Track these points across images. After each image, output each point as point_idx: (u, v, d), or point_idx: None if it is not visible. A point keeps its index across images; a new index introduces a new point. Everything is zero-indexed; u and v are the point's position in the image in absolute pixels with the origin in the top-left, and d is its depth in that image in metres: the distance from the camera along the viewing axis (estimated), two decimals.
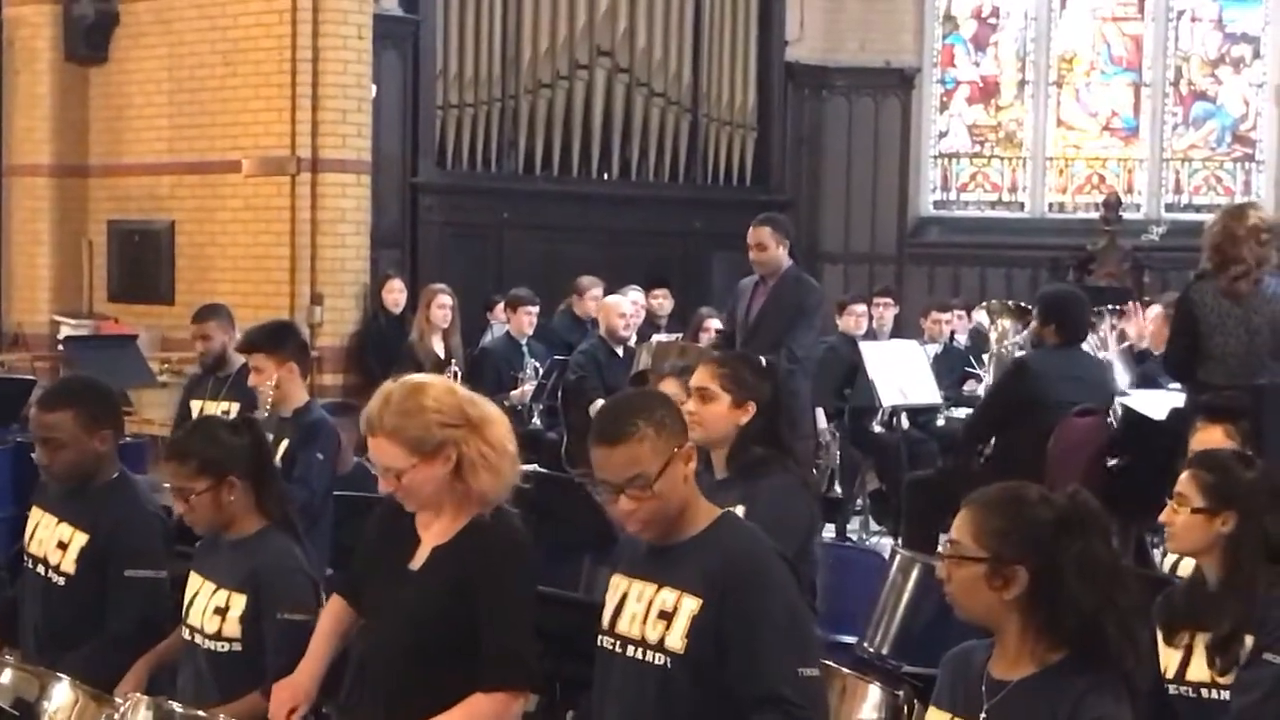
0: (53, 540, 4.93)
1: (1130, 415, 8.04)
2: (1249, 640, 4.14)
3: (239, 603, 4.38)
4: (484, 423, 3.90)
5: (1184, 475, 4.32)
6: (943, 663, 3.43)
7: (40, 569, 4.94)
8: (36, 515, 5.03)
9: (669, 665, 3.61)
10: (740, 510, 4.59)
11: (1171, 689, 4.22)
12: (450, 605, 3.83)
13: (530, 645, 3.87)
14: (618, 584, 3.80)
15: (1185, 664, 4.22)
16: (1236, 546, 4.23)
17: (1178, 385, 8.23)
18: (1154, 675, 4.29)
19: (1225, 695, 4.15)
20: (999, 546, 3.14)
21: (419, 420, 3.83)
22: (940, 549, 3.26)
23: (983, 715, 3.19)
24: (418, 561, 3.93)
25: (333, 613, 4.21)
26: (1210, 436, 5.32)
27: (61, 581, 4.88)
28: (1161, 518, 4.31)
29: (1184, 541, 4.29)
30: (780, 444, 4.92)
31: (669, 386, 5.59)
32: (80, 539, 4.88)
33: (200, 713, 3.95)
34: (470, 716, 3.79)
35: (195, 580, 4.52)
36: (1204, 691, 4.18)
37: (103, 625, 4.83)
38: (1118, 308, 10.34)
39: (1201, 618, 4.23)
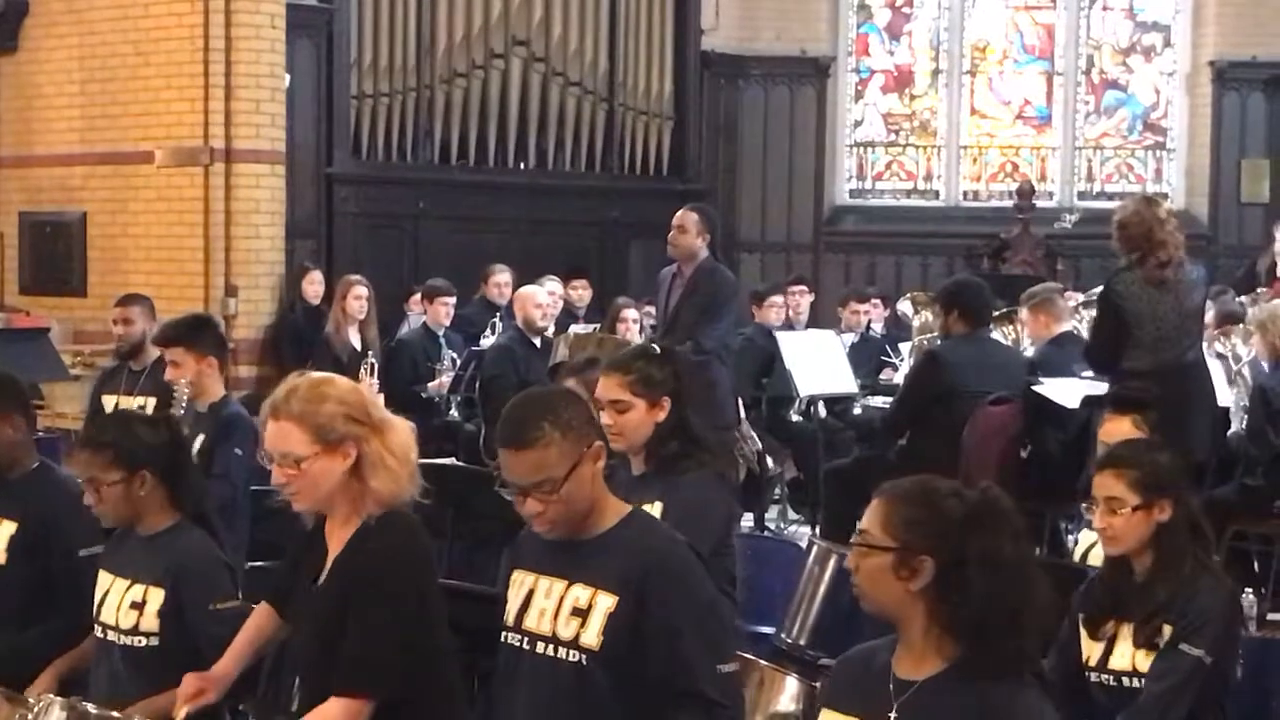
0: None
1: (1039, 402, 8.10)
2: (1167, 629, 4.20)
3: (156, 597, 4.36)
4: (387, 427, 3.86)
5: (1106, 477, 4.33)
6: (837, 665, 3.42)
7: None
8: None
9: (584, 662, 3.61)
10: (659, 506, 4.62)
11: (1092, 677, 4.28)
12: (344, 617, 3.78)
13: (389, 652, 3.75)
14: (521, 579, 3.77)
15: (1108, 653, 4.28)
16: (1172, 531, 4.28)
17: (1090, 373, 8.31)
18: (1067, 665, 4.33)
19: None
20: (907, 536, 3.13)
21: (325, 409, 3.79)
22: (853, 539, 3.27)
23: (893, 715, 3.19)
24: (323, 576, 3.90)
25: (258, 619, 4.18)
26: (1119, 427, 5.38)
27: None
28: (1096, 524, 4.33)
29: (1127, 541, 4.30)
30: (691, 434, 4.90)
31: (568, 385, 5.57)
32: (9, 527, 4.88)
33: (114, 714, 3.91)
34: None
35: (105, 578, 4.49)
36: (1125, 680, 4.24)
37: (37, 610, 4.83)
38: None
39: (1128, 608, 4.28)
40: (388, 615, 3.76)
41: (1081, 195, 17.75)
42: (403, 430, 3.90)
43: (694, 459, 4.83)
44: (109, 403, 7.44)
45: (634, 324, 10.48)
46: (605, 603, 3.60)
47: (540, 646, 3.67)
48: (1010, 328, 10.08)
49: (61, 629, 4.74)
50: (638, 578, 3.59)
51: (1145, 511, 4.27)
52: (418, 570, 3.85)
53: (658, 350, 5.03)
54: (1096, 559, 5.15)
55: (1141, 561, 4.30)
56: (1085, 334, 9.52)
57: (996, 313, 10.15)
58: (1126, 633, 4.27)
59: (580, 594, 3.64)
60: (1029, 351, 9.40)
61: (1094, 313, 8.33)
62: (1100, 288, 8.08)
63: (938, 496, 3.18)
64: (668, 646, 3.55)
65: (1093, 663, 4.29)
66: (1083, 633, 4.32)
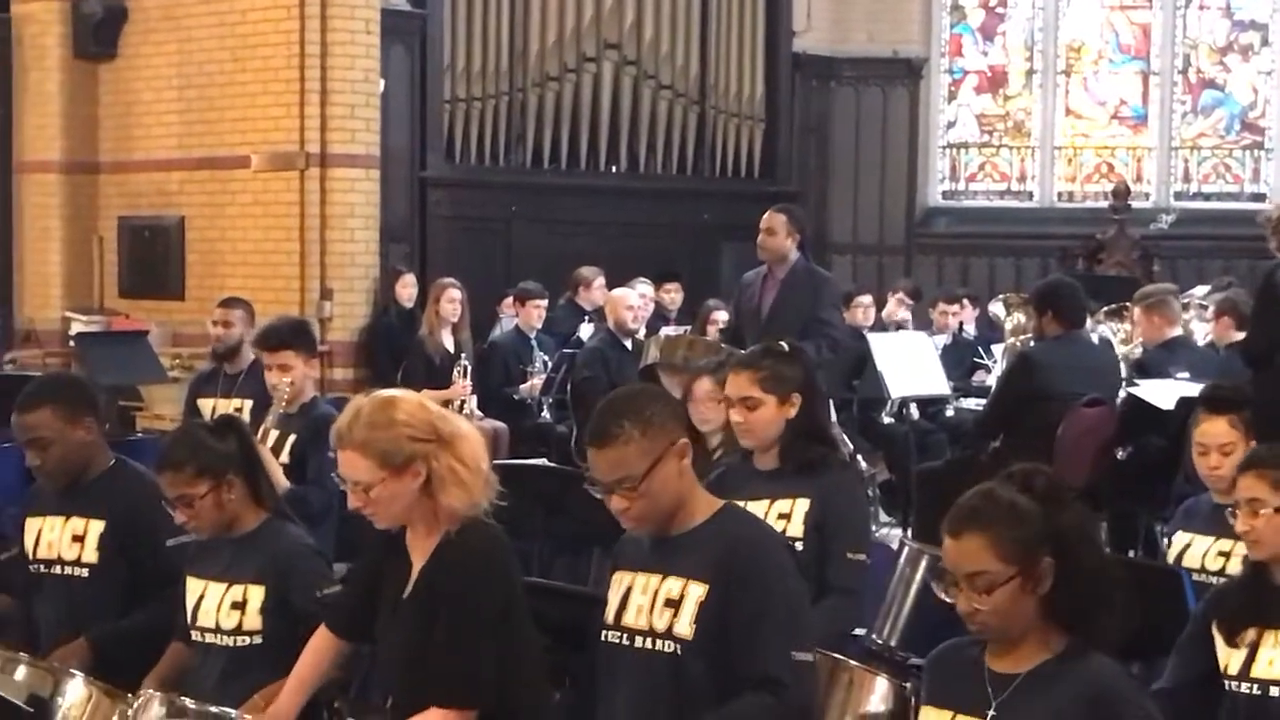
0: (65, 538, 4.97)
1: (1135, 404, 8.04)
2: None
3: (257, 594, 4.41)
4: (455, 439, 3.87)
5: (1247, 478, 4.19)
6: (929, 662, 3.47)
7: (56, 569, 4.99)
8: (35, 524, 5.07)
9: (679, 652, 3.67)
10: (805, 503, 4.73)
11: (1232, 685, 4.10)
12: (433, 629, 3.83)
13: (482, 664, 3.80)
14: (621, 579, 3.83)
15: (1250, 661, 4.09)
16: None
17: (1186, 375, 8.24)
18: (1196, 672, 4.21)
19: None
20: (1023, 552, 3.20)
21: (389, 434, 3.82)
22: (956, 589, 3.26)
23: (991, 713, 3.22)
24: (408, 588, 3.93)
25: (314, 647, 4.15)
26: (1214, 427, 5.29)
27: (85, 573, 4.95)
28: (1239, 527, 4.16)
29: (1270, 544, 4.13)
30: (823, 432, 4.95)
31: (704, 385, 5.64)
32: (97, 526, 4.93)
33: (212, 708, 3.97)
34: None
35: (196, 584, 4.53)
36: (1273, 689, 4.05)
37: (134, 604, 4.90)
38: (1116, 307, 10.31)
39: (1272, 616, 4.09)
40: (476, 628, 3.80)
41: (1178, 196, 17.56)
42: (473, 439, 3.92)
43: (835, 456, 4.94)
44: (205, 406, 7.51)
45: (720, 329, 10.48)
46: (696, 592, 3.67)
47: (638, 641, 3.73)
48: (1120, 325, 10.01)
49: (158, 616, 4.80)
50: (728, 564, 3.65)
51: None
52: (499, 580, 3.89)
53: (786, 348, 5.05)
54: (1191, 561, 5.11)
55: None
56: (1194, 338, 9.45)
57: (1107, 308, 10.10)
58: (1273, 641, 4.08)
59: (673, 585, 3.70)
60: (1138, 352, 9.33)
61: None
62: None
63: (1015, 503, 3.24)
64: (748, 630, 3.62)
65: (1232, 671, 4.11)
66: (1218, 639, 4.15)
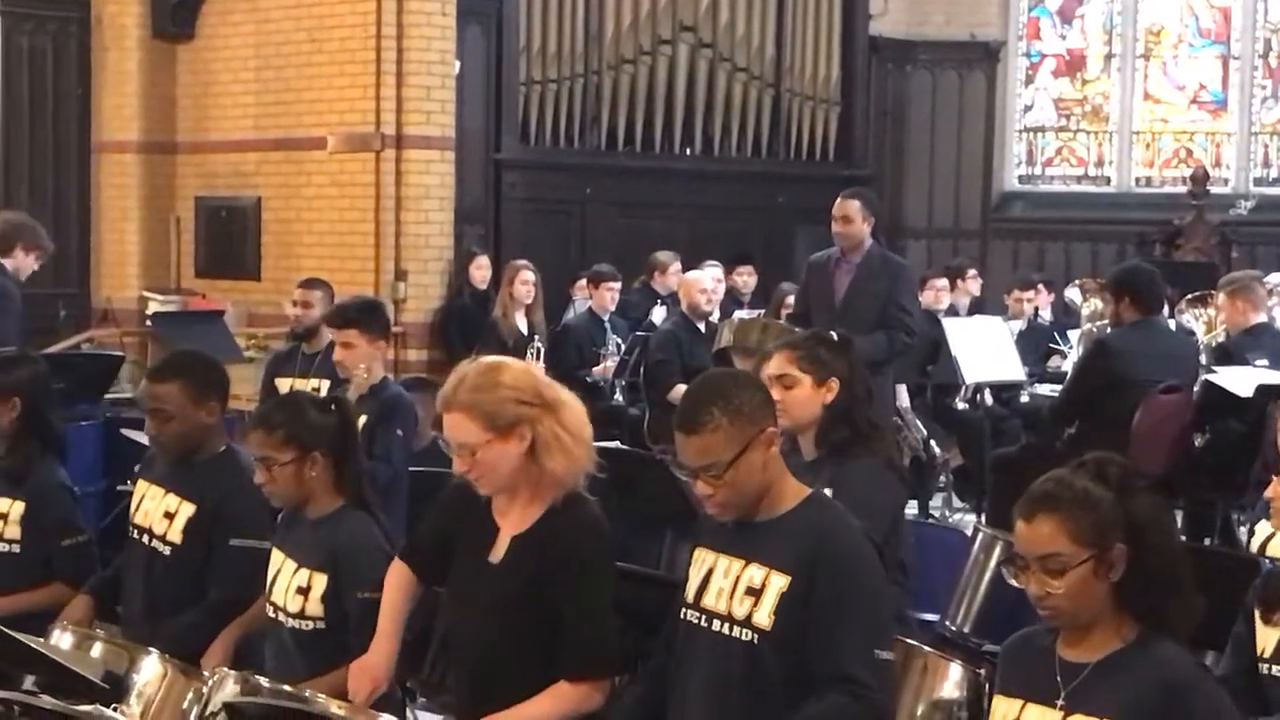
0: (159, 511, 5.01)
1: (1213, 391, 7.97)
2: None
3: (320, 583, 4.42)
4: (560, 405, 3.90)
5: None
6: (1002, 650, 3.45)
7: (145, 539, 5.03)
8: (142, 488, 5.12)
9: (755, 641, 3.65)
10: (828, 492, 4.63)
11: (1268, 669, 4.01)
12: (531, 597, 3.85)
13: (611, 632, 3.87)
14: (703, 557, 3.81)
15: None
16: None
17: (1265, 362, 8.16)
18: (1244, 661, 4.18)
19: None
20: (1096, 537, 3.16)
21: (494, 396, 3.84)
22: (1028, 574, 3.23)
23: (1060, 702, 3.20)
24: (498, 553, 3.93)
25: (397, 584, 4.17)
26: None
27: (167, 551, 4.98)
28: (1267, 494, 4.15)
29: None
30: (859, 422, 4.89)
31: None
32: (187, 509, 4.96)
33: (286, 686, 3.98)
34: (557, 705, 3.81)
35: (277, 557, 4.56)
36: None
37: (205, 594, 4.92)
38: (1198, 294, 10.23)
39: None
40: (603, 594, 3.87)
41: (1257, 182, 17.37)
42: (576, 408, 3.94)
43: (864, 445, 4.82)
44: (283, 385, 7.52)
45: (788, 315, 10.42)
46: (778, 582, 3.64)
47: (716, 624, 3.71)
48: (1204, 311, 9.94)
49: (214, 607, 4.85)
50: (811, 557, 3.62)
51: None
52: (611, 552, 3.95)
53: (834, 336, 5.03)
54: (1275, 551, 5.05)
55: None
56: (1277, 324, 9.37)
57: (1191, 295, 10.02)
58: None
59: (755, 573, 3.68)
60: (1221, 338, 9.25)
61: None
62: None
63: (1088, 488, 3.21)
64: (827, 626, 3.59)
65: (1268, 653, 4.03)
66: (1257, 622, 4.06)
